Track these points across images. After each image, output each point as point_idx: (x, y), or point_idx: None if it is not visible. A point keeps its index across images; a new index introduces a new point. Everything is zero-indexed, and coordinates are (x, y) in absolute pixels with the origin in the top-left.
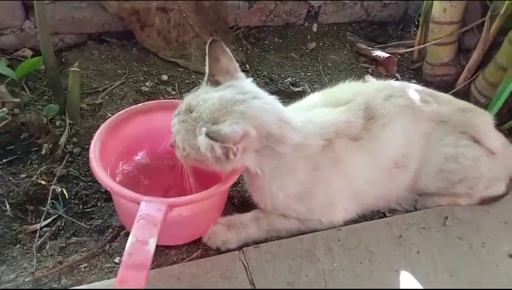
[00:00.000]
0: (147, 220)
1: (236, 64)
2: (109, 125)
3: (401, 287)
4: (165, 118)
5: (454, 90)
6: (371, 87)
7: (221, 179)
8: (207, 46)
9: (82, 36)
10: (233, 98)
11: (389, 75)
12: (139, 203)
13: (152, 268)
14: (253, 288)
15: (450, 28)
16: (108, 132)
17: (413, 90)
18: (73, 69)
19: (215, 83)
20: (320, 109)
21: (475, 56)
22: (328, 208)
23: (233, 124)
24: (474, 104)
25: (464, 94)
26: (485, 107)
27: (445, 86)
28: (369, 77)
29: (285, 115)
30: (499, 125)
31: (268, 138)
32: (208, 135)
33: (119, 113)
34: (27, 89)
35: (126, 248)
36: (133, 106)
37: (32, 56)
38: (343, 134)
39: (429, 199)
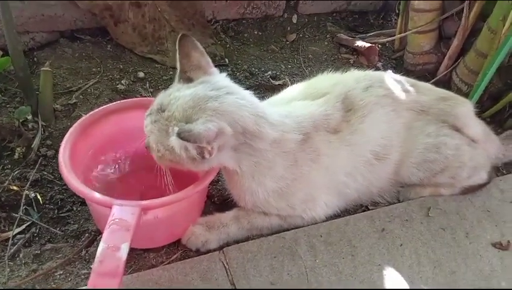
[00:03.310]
0: (119, 225)
1: (209, 59)
2: (80, 127)
3: (384, 281)
4: (140, 117)
5: (436, 78)
6: (350, 78)
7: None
8: (177, 42)
9: (54, 34)
10: (206, 95)
11: (371, 65)
12: (111, 208)
13: (130, 273)
14: (233, 289)
15: (430, 15)
16: (80, 133)
17: (392, 79)
18: (44, 68)
19: (188, 80)
20: (297, 102)
21: (455, 43)
22: (309, 204)
23: (207, 121)
24: (456, 92)
25: (446, 82)
26: (467, 94)
27: (426, 75)
28: (351, 68)
29: (261, 110)
30: (480, 113)
31: (245, 134)
32: (179, 135)
33: (90, 113)
34: None
35: (97, 255)
36: (104, 106)
37: (2, 56)
38: (322, 127)
39: (412, 190)
